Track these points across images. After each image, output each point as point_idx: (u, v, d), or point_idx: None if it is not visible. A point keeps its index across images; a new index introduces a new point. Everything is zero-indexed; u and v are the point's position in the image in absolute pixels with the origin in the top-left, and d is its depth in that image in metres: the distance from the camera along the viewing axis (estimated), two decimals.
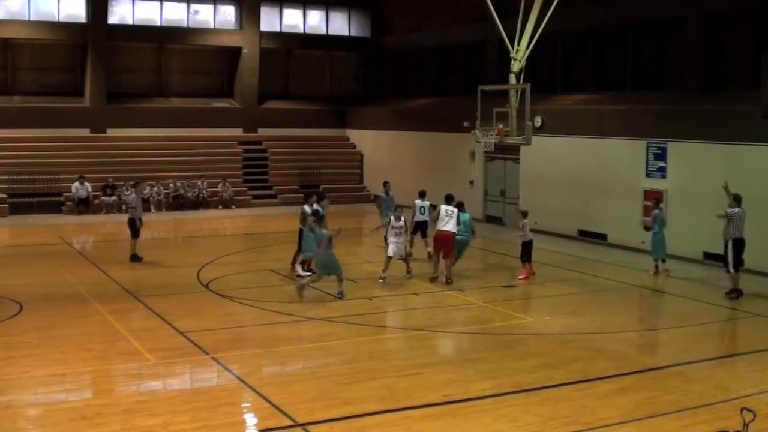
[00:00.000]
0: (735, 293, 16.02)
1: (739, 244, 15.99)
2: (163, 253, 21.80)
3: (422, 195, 19.75)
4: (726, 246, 16.02)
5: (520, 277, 17.89)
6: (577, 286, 17.52)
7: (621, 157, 22.19)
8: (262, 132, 34.47)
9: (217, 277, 17.49)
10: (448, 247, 17.16)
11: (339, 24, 36.52)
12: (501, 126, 20.61)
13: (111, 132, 31.76)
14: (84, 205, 28.16)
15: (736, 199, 16.06)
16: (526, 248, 18.04)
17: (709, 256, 19.47)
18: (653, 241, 18.61)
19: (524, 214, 18.43)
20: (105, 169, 29.69)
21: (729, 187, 16.17)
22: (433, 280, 17.29)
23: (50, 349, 12.11)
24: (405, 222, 17.69)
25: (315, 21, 36.17)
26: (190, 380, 11.33)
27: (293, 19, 35.72)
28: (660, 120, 21.44)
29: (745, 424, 7.05)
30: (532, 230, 18.53)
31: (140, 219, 19.46)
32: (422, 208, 19.49)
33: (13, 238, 24.42)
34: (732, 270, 16.03)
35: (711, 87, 21.15)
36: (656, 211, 18.66)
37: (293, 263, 17.91)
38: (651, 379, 11.12)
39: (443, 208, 17.33)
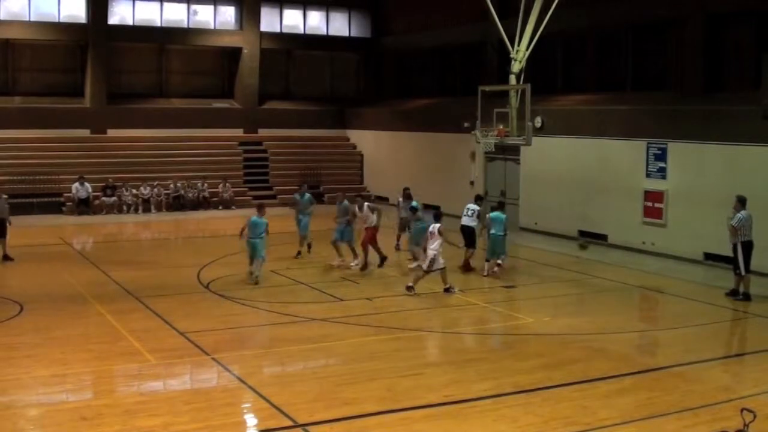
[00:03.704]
0: (743, 296, 15.89)
1: (748, 247, 15.88)
2: (163, 253, 21.86)
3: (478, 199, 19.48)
4: (735, 250, 15.94)
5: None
6: (578, 287, 17.52)
7: (621, 157, 22.16)
8: (263, 132, 34.47)
9: (217, 278, 17.50)
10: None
11: (339, 24, 36.52)
12: (501, 126, 20.61)
13: (111, 132, 31.76)
14: (84, 206, 28.15)
15: (741, 201, 16.00)
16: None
17: (709, 256, 19.46)
18: (495, 241, 17.95)
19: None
20: (105, 170, 29.70)
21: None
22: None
23: (50, 350, 12.11)
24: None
25: (315, 21, 36.16)
26: (191, 381, 11.32)
27: (293, 20, 35.72)
28: (660, 120, 21.42)
29: (746, 425, 7.06)
30: (533, 230, 18.54)
31: (8, 220, 19.64)
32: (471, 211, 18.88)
33: (13, 239, 24.21)
34: (744, 273, 15.88)
35: (711, 87, 21.13)
36: (489, 215, 18.16)
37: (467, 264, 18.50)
38: (651, 379, 11.11)
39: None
